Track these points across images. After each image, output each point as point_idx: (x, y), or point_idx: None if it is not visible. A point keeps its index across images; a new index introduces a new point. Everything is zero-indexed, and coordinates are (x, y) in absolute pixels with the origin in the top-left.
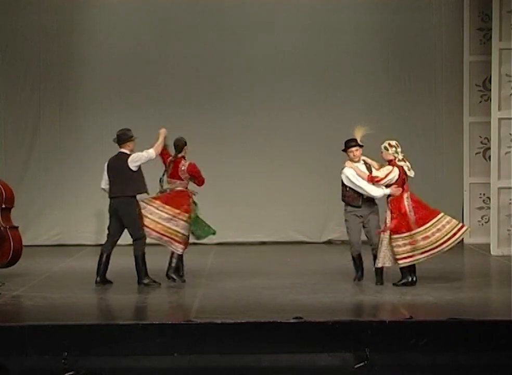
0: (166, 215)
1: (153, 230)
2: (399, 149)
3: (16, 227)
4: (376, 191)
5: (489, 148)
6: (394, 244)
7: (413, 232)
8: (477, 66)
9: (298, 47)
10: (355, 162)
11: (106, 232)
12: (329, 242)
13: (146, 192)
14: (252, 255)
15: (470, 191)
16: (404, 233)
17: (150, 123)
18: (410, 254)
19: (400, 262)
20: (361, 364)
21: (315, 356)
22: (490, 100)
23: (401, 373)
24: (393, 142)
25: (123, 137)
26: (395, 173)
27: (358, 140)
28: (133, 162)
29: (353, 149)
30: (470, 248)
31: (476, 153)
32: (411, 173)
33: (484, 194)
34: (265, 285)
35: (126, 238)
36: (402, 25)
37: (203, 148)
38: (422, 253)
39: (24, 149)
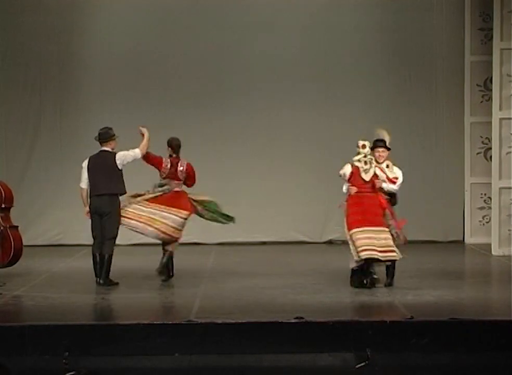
0: (169, 215)
1: (156, 229)
2: (362, 150)
3: (16, 227)
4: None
5: (490, 148)
6: (354, 238)
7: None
8: (478, 66)
9: (298, 46)
10: (379, 163)
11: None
12: (330, 242)
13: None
14: (252, 255)
15: (471, 191)
16: (360, 227)
17: (150, 123)
18: (370, 247)
19: (361, 254)
20: (362, 364)
21: (316, 356)
22: (491, 100)
23: (402, 373)
24: (360, 143)
25: (106, 136)
26: (345, 169)
27: (387, 143)
28: (121, 160)
29: (380, 149)
30: (471, 248)
31: (477, 153)
32: (366, 177)
33: (485, 194)
34: (266, 285)
35: (126, 237)
36: (403, 25)
37: (203, 148)
38: (381, 251)
39: (25, 149)
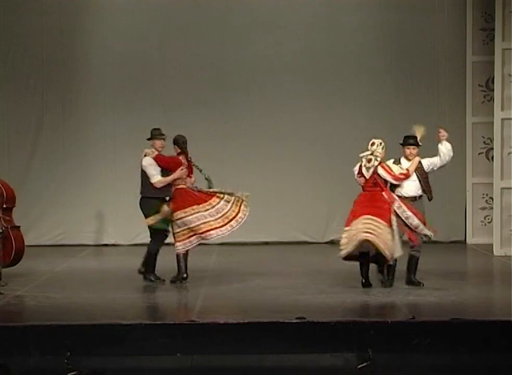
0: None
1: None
2: (369, 147)
3: (18, 227)
4: None
5: (492, 148)
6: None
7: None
8: (480, 66)
9: (301, 47)
10: (409, 160)
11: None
12: (332, 242)
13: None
14: (254, 255)
15: (473, 192)
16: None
17: (152, 123)
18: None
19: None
20: (364, 364)
21: (318, 356)
22: (493, 101)
23: (404, 373)
24: (371, 141)
25: (151, 135)
26: (356, 166)
27: (418, 139)
28: (144, 167)
29: (410, 147)
30: (472, 248)
31: (479, 154)
32: (366, 174)
33: (486, 194)
34: (268, 285)
35: (127, 238)
36: (405, 25)
37: (205, 148)
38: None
39: (27, 149)
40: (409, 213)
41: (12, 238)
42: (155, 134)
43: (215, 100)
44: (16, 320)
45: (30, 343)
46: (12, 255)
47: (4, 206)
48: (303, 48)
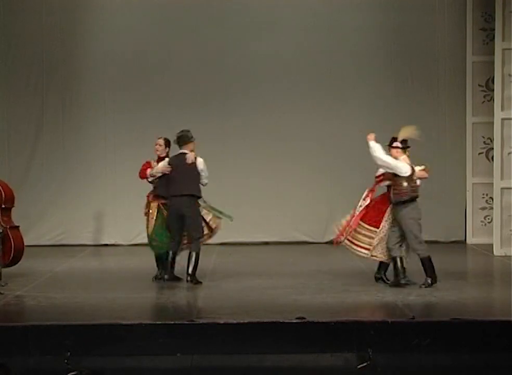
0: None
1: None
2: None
3: (17, 227)
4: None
5: (492, 148)
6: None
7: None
8: (480, 66)
9: (301, 47)
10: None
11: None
12: (332, 242)
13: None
14: (254, 255)
15: (473, 192)
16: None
17: (152, 123)
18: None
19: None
20: (364, 364)
21: (318, 356)
22: (493, 101)
23: (403, 374)
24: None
25: (184, 139)
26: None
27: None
28: (202, 166)
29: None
30: (472, 248)
31: (479, 154)
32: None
33: (487, 194)
34: (268, 285)
35: (127, 238)
36: (405, 25)
37: (206, 148)
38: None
39: (27, 149)
40: None
41: (11, 238)
42: (191, 136)
43: (215, 100)
44: (16, 320)
45: (30, 343)
46: (11, 255)
47: (3, 206)
48: (303, 48)
